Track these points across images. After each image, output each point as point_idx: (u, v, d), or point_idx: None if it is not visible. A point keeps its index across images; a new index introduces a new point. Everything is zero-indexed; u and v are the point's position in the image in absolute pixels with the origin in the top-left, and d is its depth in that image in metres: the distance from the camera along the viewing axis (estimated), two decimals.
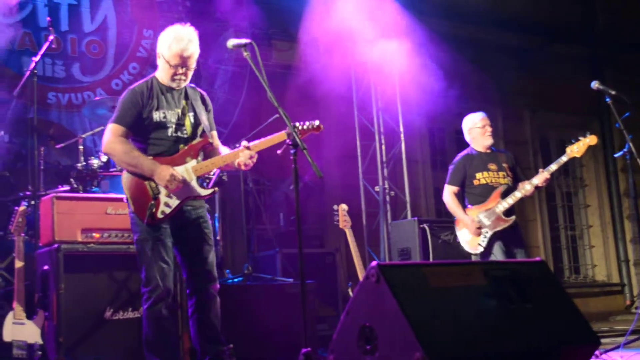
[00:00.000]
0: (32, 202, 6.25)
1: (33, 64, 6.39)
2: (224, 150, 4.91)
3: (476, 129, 6.91)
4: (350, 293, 6.41)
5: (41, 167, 6.67)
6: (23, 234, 5.72)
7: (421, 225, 7.98)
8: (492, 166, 6.75)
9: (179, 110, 4.77)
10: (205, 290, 4.77)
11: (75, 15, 8.74)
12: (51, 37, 6.63)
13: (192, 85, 4.96)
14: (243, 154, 4.69)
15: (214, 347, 4.77)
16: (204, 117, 4.86)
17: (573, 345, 3.70)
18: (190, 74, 4.82)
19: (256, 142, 4.76)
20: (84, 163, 6.53)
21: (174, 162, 4.66)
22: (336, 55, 9.27)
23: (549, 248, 12.12)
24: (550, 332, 3.63)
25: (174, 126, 4.72)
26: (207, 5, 9.03)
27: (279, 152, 4.61)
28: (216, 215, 7.10)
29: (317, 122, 4.76)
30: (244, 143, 4.73)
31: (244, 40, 4.66)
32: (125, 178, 4.68)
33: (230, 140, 6.93)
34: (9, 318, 5.44)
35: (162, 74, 4.80)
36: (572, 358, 3.68)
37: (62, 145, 6.86)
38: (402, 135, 9.74)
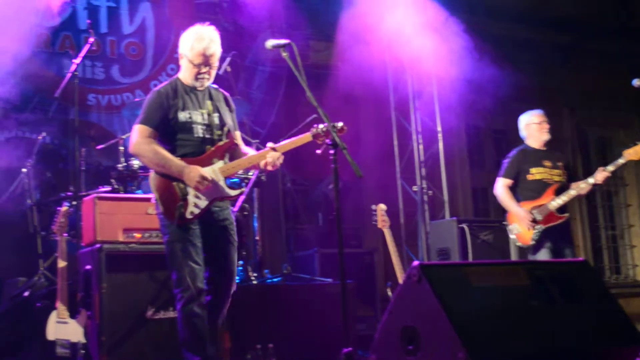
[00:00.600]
0: (74, 203, 6.33)
1: (74, 66, 6.47)
2: (248, 150, 4.92)
3: (533, 125, 6.89)
4: (389, 293, 6.40)
5: (82, 168, 6.74)
6: (65, 234, 5.80)
7: (460, 225, 7.95)
8: (547, 163, 6.74)
9: (204, 111, 4.77)
10: (222, 293, 4.78)
11: (114, 18, 8.85)
12: (91, 39, 6.70)
13: (215, 86, 4.98)
14: (269, 155, 4.69)
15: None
16: (228, 118, 4.87)
17: (617, 345, 3.67)
18: (214, 73, 4.83)
19: (282, 143, 4.75)
20: (125, 164, 6.60)
21: (201, 162, 4.66)
22: (373, 54, 9.25)
23: (589, 248, 12.00)
24: (594, 332, 3.60)
25: (199, 127, 4.73)
26: (244, 6, 9.07)
27: (318, 151, 4.60)
28: (255, 215, 7.13)
29: (340, 124, 4.73)
30: (270, 144, 4.74)
31: (282, 41, 4.67)
32: (153, 179, 4.68)
33: (268, 140, 6.95)
34: (53, 317, 5.51)
35: (185, 75, 4.81)
36: (616, 359, 3.65)
37: (102, 146, 6.94)
38: (439, 135, 9.71)
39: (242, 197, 6.45)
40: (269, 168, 4.73)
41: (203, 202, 4.63)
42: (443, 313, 3.19)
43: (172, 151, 4.66)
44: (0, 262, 7.60)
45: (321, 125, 4.56)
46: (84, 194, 6.37)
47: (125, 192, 6.40)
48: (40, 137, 6.97)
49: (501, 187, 6.80)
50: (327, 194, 8.78)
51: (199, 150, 4.70)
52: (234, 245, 4.81)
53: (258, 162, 4.73)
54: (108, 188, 6.51)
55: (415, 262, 3.36)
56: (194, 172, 4.54)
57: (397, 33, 9.20)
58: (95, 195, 5.79)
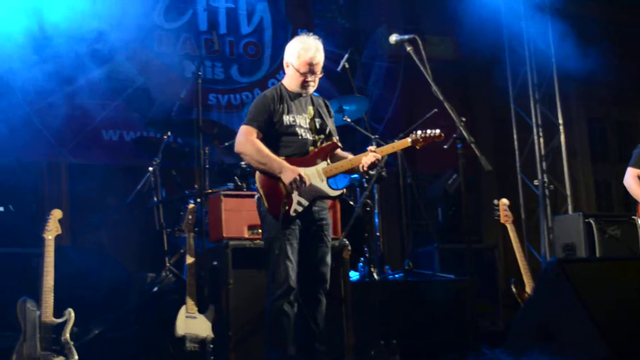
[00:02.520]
0: (198, 200, 6.47)
1: (198, 67, 6.61)
2: (347, 154, 5.04)
3: None
4: (514, 290, 6.27)
5: (206, 166, 6.89)
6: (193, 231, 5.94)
7: (586, 220, 7.73)
8: None
9: (307, 115, 4.97)
10: (314, 293, 4.87)
11: (232, 18, 9.03)
12: (214, 41, 6.85)
13: (316, 93, 5.15)
14: (367, 158, 4.82)
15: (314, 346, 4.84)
16: (329, 123, 5.06)
17: None
18: (317, 80, 4.99)
19: (382, 147, 4.94)
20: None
21: (305, 163, 4.83)
22: (491, 47, 9.12)
23: None
24: None
25: (303, 129, 4.91)
26: (361, 1, 9.09)
27: (445, 146, 4.60)
28: (375, 211, 7.13)
29: (437, 131, 4.79)
30: (370, 147, 4.91)
31: (407, 36, 4.67)
32: (259, 176, 4.84)
33: (384, 137, 6.95)
34: (182, 312, 5.65)
35: (290, 82, 4.99)
36: None
37: (226, 144, 7.07)
38: (561, 127, 9.47)
39: (365, 193, 6.49)
40: (370, 171, 4.88)
41: (306, 201, 4.77)
42: (583, 309, 3.10)
43: (277, 151, 4.80)
44: (128, 258, 7.88)
45: (419, 132, 4.80)
46: (209, 191, 6.50)
47: (248, 189, 6.50)
48: (165, 137, 7.14)
49: (630, 177, 6.54)
50: (447, 188, 8.69)
51: (302, 151, 4.89)
52: (327, 246, 4.93)
53: (358, 164, 4.88)
54: (231, 185, 6.63)
55: (553, 258, 3.28)
56: (292, 171, 4.67)
57: (517, 24, 9.04)
58: (221, 192, 5.92)
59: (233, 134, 7.20)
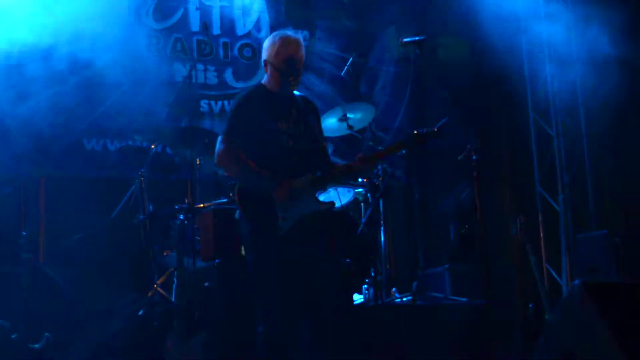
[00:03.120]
0: (189, 216, 6.44)
1: (189, 71, 6.59)
2: (336, 163, 5.06)
3: None
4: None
5: (197, 179, 6.87)
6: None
7: (613, 239, 7.69)
8: None
9: (292, 120, 4.87)
10: (323, 317, 4.75)
11: (227, 18, 9.05)
12: (207, 43, 6.85)
13: (301, 93, 5.09)
14: (357, 167, 4.76)
15: None
16: (315, 128, 4.95)
17: None
18: (298, 79, 4.93)
19: (372, 154, 4.93)
20: None
21: (289, 174, 4.72)
22: (508, 50, 9.10)
23: None
24: None
25: (286, 135, 4.82)
26: (366, 3, 9.09)
27: (459, 157, 4.57)
28: (382, 228, 7.10)
29: (434, 129, 4.73)
30: (359, 156, 4.81)
31: (418, 37, 4.67)
32: (239, 190, 4.75)
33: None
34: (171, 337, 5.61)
35: (270, 82, 4.93)
36: None
37: None
38: (584, 138, 9.45)
39: (369, 209, 6.46)
40: (360, 179, 4.82)
41: (292, 216, 4.66)
42: (611, 336, 3.07)
43: (259, 161, 4.70)
44: (112, 278, 7.83)
45: (415, 131, 4.71)
46: (200, 206, 6.48)
47: None
48: (153, 146, 7.13)
49: None
50: (459, 204, 8.66)
51: (286, 161, 4.77)
52: (329, 262, 4.83)
53: (347, 172, 4.83)
54: (225, 200, 6.60)
55: (577, 280, 3.25)
56: (279, 187, 4.60)
57: (536, 25, 9.04)
58: (213, 207, 5.89)
59: None
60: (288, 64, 4.80)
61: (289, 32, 4.94)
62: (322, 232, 4.81)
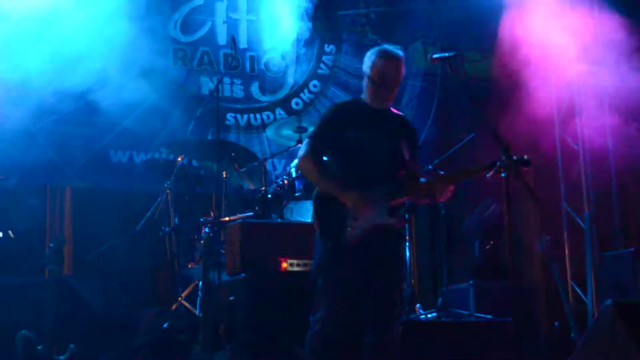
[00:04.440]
0: (215, 229, 6.47)
1: (217, 85, 6.63)
2: (420, 180, 4.88)
3: None
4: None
5: (223, 192, 6.89)
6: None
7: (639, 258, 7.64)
8: None
9: (380, 133, 4.81)
10: (388, 332, 4.72)
11: (254, 31, 9.10)
12: (234, 56, 6.89)
13: (398, 111, 5.03)
14: (438, 186, 4.69)
15: None
16: (405, 144, 4.89)
17: None
18: (394, 94, 4.89)
19: (454, 172, 4.79)
20: (268, 187, 6.71)
21: (368, 185, 4.67)
22: (533, 64, 9.07)
23: None
24: None
25: (373, 148, 4.78)
26: (393, 17, 9.11)
27: (488, 175, 4.53)
28: (407, 243, 7.08)
29: (526, 157, 4.64)
30: (441, 173, 4.75)
31: (447, 53, 4.66)
32: (315, 197, 4.76)
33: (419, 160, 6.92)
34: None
35: (366, 94, 4.89)
36: None
37: (245, 168, 7.08)
38: (610, 155, 9.39)
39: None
40: (440, 199, 4.73)
41: (362, 227, 4.62)
42: None
43: (341, 169, 4.71)
44: (137, 290, 7.87)
45: (505, 159, 4.49)
46: (226, 219, 6.50)
47: (269, 217, 6.49)
48: (179, 159, 7.16)
49: None
50: (484, 221, 8.63)
51: (368, 173, 4.72)
52: (395, 282, 4.78)
53: (427, 191, 4.75)
54: (250, 213, 6.63)
55: (608, 300, 3.23)
56: (352, 195, 4.58)
57: (563, 45, 9.01)
58: (241, 221, 5.91)
59: (253, 157, 7.26)
60: (381, 78, 4.77)
61: (390, 47, 4.89)
62: (386, 246, 4.78)
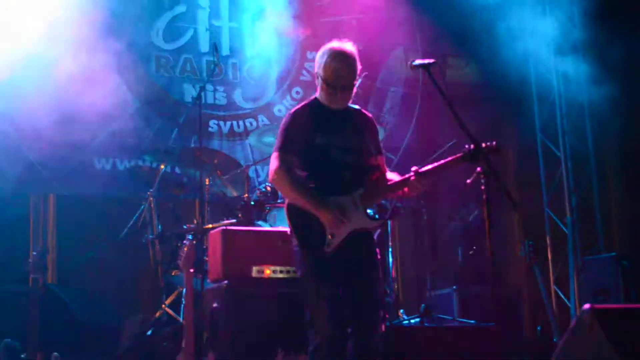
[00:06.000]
0: (198, 236, 6.47)
1: (199, 92, 6.64)
2: (393, 177, 4.80)
3: None
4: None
5: (206, 199, 6.89)
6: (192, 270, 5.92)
7: (622, 262, 7.67)
8: None
9: (344, 133, 4.74)
10: (365, 337, 4.65)
11: (236, 39, 9.11)
12: (216, 63, 6.89)
13: (357, 107, 4.94)
14: (412, 181, 4.60)
15: None
16: (370, 141, 4.84)
17: None
18: (351, 93, 4.79)
19: (428, 167, 4.63)
20: (251, 194, 6.72)
21: (340, 190, 4.64)
22: (516, 71, 9.13)
23: None
24: None
25: (338, 150, 4.70)
26: (375, 23, 9.14)
27: (468, 181, 4.52)
28: (390, 250, 7.10)
29: (494, 142, 4.57)
30: (414, 168, 4.63)
31: (428, 60, 4.64)
32: (289, 208, 4.69)
33: (400, 168, 6.93)
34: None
35: (321, 95, 4.77)
36: None
37: (228, 175, 7.09)
38: (592, 159, 9.46)
39: (378, 231, 6.44)
40: (413, 194, 4.68)
41: (341, 234, 4.59)
42: None
43: (310, 177, 4.66)
44: (121, 298, 7.87)
45: (474, 148, 4.40)
46: (209, 226, 6.51)
47: (252, 224, 6.49)
48: (162, 166, 7.16)
49: None
50: (467, 226, 8.66)
51: (337, 176, 4.67)
52: (376, 281, 4.74)
53: (401, 188, 4.67)
54: (233, 220, 6.63)
55: (587, 305, 3.25)
56: (328, 211, 4.54)
57: (542, 48, 9.08)
58: (222, 228, 5.91)
59: (235, 164, 7.28)
60: (335, 79, 4.64)
61: (341, 45, 4.73)
62: (368, 250, 4.75)
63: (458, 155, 4.50)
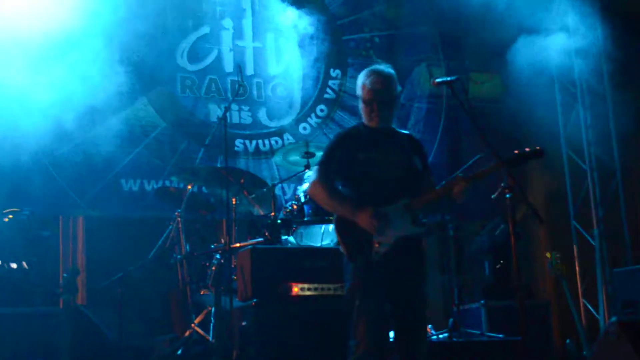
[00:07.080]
0: (226, 255, 6.52)
1: (225, 112, 6.71)
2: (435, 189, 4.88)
3: None
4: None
5: (234, 218, 6.94)
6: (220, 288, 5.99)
7: None
8: None
9: (386, 149, 4.82)
10: (408, 351, 4.68)
11: (260, 58, 9.18)
12: (241, 83, 6.97)
13: (407, 131, 5.09)
14: (457, 186, 4.67)
15: None
16: (414, 159, 4.91)
17: None
18: (391, 111, 4.88)
19: (472, 173, 4.73)
20: (277, 212, 6.76)
21: (382, 202, 4.68)
22: (540, 84, 9.14)
23: None
24: None
25: (381, 165, 4.78)
26: (398, 39, 9.19)
27: (493, 196, 4.57)
28: None
29: (537, 148, 4.67)
30: (458, 174, 4.75)
31: (450, 77, 4.70)
32: (336, 220, 4.78)
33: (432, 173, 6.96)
34: None
35: (363, 115, 4.91)
36: None
37: (254, 195, 7.14)
38: (618, 170, 9.43)
39: None
40: (458, 201, 4.72)
41: (387, 242, 4.64)
42: None
43: (353, 192, 4.75)
44: (150, 318, 7.92)
45: (512, 156, 4.60)
46: (236, 245, 6.55)
47: (279, 242, 6.54)
48: (189, 187, 7.22)
49: None
50: (494, 240, 8.65)
51: (380, 190, 4.74)
52: (423, 295, 4.76)
53: (445, 194, 4.73)
54: (261, 239, 6.67)
55: (613, 318, 3.27)
56: (367, 212, 4.60)
57: (567, 58, 9.08)
58: (251, 247, 5.96)
59: (262, 183, 7.33)
60: (371, 95, 4.78)
61: (379, 67, 4.92)
62: (417, 260, 4.79)
63: (502, 160, 4.58)
